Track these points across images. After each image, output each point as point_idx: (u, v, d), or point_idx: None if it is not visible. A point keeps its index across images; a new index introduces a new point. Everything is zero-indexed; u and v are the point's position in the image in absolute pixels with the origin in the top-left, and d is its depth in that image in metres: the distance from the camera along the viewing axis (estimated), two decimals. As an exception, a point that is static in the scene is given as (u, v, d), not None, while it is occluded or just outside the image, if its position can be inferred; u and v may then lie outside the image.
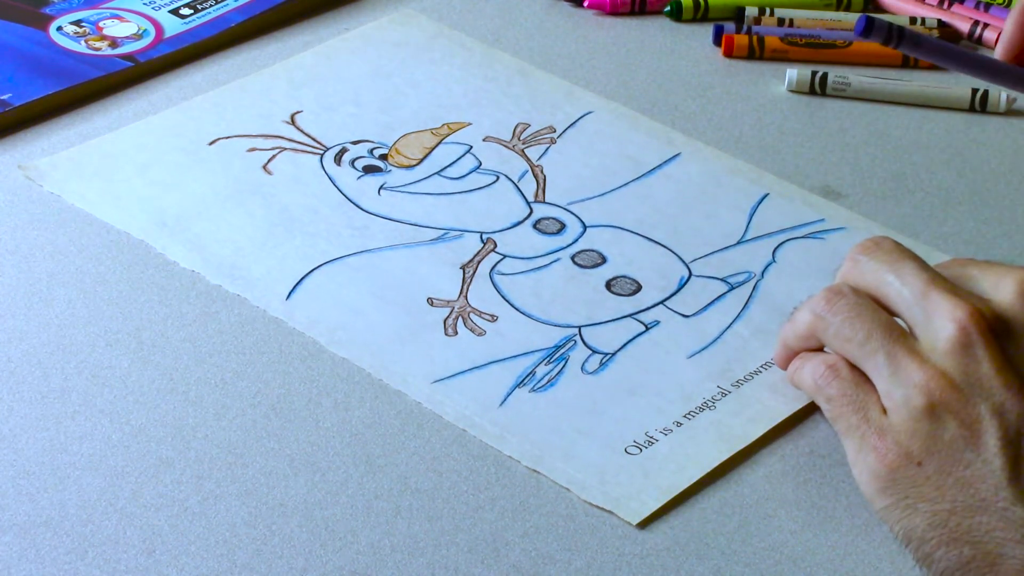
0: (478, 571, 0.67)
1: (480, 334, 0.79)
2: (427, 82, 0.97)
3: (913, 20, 1.06)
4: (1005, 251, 0.88)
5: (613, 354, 0.78)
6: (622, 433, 0.74)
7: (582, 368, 0.77)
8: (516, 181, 0.90)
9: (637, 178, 0.91)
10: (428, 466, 0.72)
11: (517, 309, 0.81)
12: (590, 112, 0.96)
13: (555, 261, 0.84)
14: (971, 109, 0.99)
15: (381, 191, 0.88)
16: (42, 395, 0.74)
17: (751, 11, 1.06)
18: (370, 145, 0.92)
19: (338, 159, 0.90)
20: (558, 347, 0.79)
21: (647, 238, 0.86)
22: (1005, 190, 0.93)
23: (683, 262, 0.85)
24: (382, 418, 0.74)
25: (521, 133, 0.94)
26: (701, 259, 0.85)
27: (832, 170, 0.93)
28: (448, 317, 0.80)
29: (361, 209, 0.87)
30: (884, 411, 0.69)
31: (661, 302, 0.82)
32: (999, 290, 0.70)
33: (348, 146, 0.91)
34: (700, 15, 1.06)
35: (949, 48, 0.78)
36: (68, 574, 0.66)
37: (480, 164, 0.91)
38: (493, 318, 0.80)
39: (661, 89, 0.99)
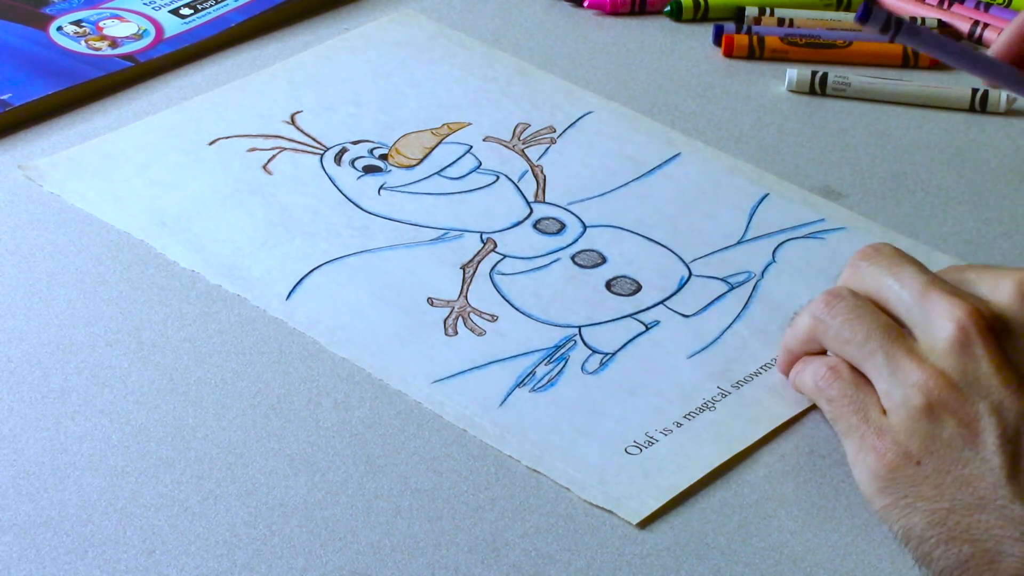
0: (478, 571, 0.67)
1: (480, 334, 0.79)
2: (427, 82, 0.97)
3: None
4: (1005, 251, 0.88)
5: (613, 354, 0.78)
6: (622, 433, 0.74)
7: (582, 368, 0.77)
8: (516, 181, 0.90)
9: (637, 178, 0.91)
10: (428, 466, 0.72)
11: (517, 309, 0.81)
12: (590, 112, 0.96)
13: (555, 261, 0.84)
14: (971, 109, 0.99)
15: (381, 191, 0.88)
16: (42, 395, 0.74)
17: (751, 11, 1.06)
18: (370, 145, 0.92)
19: (338, 159, 0.90)
20: (558, 347, 0.79)
21: (647, 238, 0.86)
22: (1005, 190, 0.93)
23: (683, 262, 0.85)
24: (382, 418, 0.74)
25: (521, 133, 0.94)
26: (701, 259, 0.85)
27: (832, 170, 0.93)
28: (448, 317, 0.80)
29: (361, 209, 0.87)
30: (884, 412, 0.70)
31: (661, 302, 0.82)
32: (998, 291, 0.70)
33: (348, 146, 0.91)
34: (700, 15, 1.06)
35: (946, 42, 0.78)
36: (68, 574, 0.66)
37: (480, 164, 0.91)
38: (493, 318, 0.80)
39: (661, 89, 0.99)
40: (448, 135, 0.93)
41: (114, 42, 0.97)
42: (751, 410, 0.76)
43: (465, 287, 0.82)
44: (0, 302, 0.79)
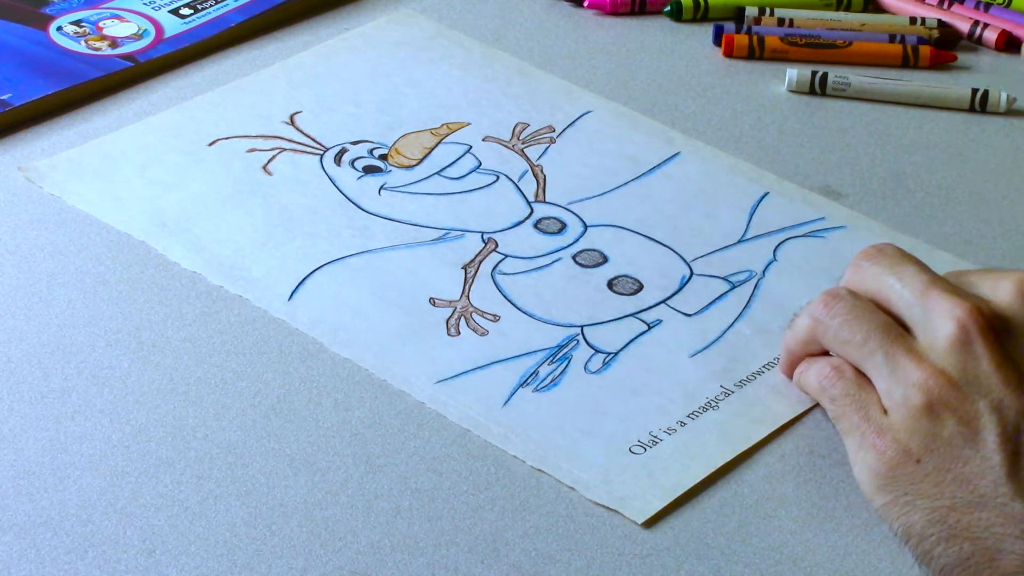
0: (478, 571, 0.67)
1: (483, 334, 0.79)
2: (426, 82, 0.97)
3: (913, 20, 1.06)
4: (1005, 251, 0.88)
5: (616, 353, 0.78)
6: (626, 432, 0.74)
7: (585, 368, 0.77)
8: (516, 181, 0.90)
9: (637, 177, 0.91)
10: (428, 466, 0.72)
11: (519, 309, 0.81)
12: (589, 112, 0.96)
13: (556, 261, 0.84)
14: (971, 109, 0.99)
15: (381, 191, 0.88)
16: (42, 395, 0.74)
17: (751, 11, 1.06)
18: (370, 145, 0.92)
19: (338, 159, 0.90)
20: (561, 347, 0.79)
21: (648, 237, 0.86)
22: (1005, 190, 0.93)
23: (684, 261, 0.85)
24: (382, 418, 0.74)
25: (520, 133, 0.93)
26: (702, 258, 0.85)
27: (832, 170, 0.93)
28: (451, 317, 0.80)
29: (361, 209, 0.87)
30: (884, 411, 0.70)
31: (663, 301, 0.82)
32: (998, 291, 0.70)
33: (348, 146, 0.91)
34: (700, 15, 1.06)
35: None
36: (68, 574, 0.66)
37: (480, 164, 0.91)
38: (495, 318, 0.80)
39: (661, 89, 0.99)
40: (448, 135, 0.93)
41: (114, 42, 0.97)
42: (755, 409, 0.76)
43: (467, 287, 0.82)
44: (0, 302, 0.79)
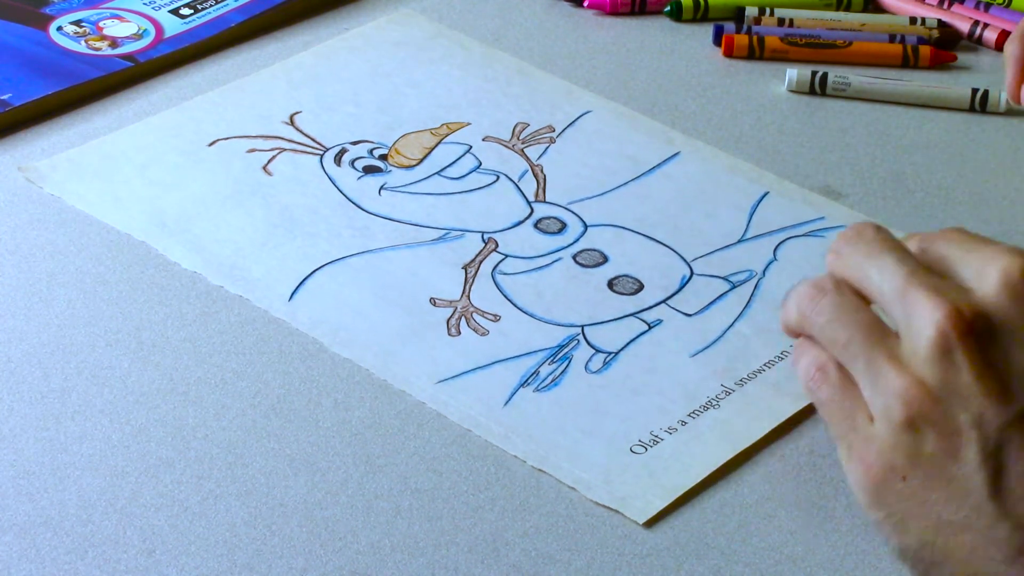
0: (478, 571, 0.67)
1: (483, 334, 0.79)
2: (426, 82, 0.97)
3: (913, 20, 1.06)
4: (1005, 251, 0.88)
5: (616, 353, 0.78)
6: (627, 432, 0.74)
7: (586, 367, 0.77)
8: (516, 181, 0.90)
9: (637, 177, 0.91)
10: (428, 466, 0.72)
11: (520, 309, 0.81)
12: (589, 112, 0.96)
13: (557, 260, 0.84)
14: (971, 109, 0.99)
15: (381, 191, 0.88)
16: (42, 395, 0.74)
17: (751, 11, 1.06)
18: (370, 145, 0.92)
19: (338, 159, 0.90)
20: (561, 346, 0.79)
21: (648, 237, 0.86)
22: (1005, 190, 0.93)
23: (684, 261, 0.85)
24: (382, 418, 0.74)
25: (520, 133, 0.93)
26: (702, 258, 0.85)
27: (832, 170, 0.93)
28: (451, 317, 0.80)
29: (362, 209, 0.87)
30: (871, 418, 0.68)
31: (663, 301, 0.82)
32: (982, 280, 0.66)
33: (348, 146, 0.91)
34: (700, 15, 1.06)
35: None
36: (68, 574, 0.66)
37: (480, 164, 0.91)
38: (496, 318, 0.80)
39: (661, 89, 0.99)
40: (448, 135, 0.93)
41: (114, 42, 0.97)
42: (755, 408, 0.76)
43: (467, 287, 0.82)
44: (0, 302, 0.79)
